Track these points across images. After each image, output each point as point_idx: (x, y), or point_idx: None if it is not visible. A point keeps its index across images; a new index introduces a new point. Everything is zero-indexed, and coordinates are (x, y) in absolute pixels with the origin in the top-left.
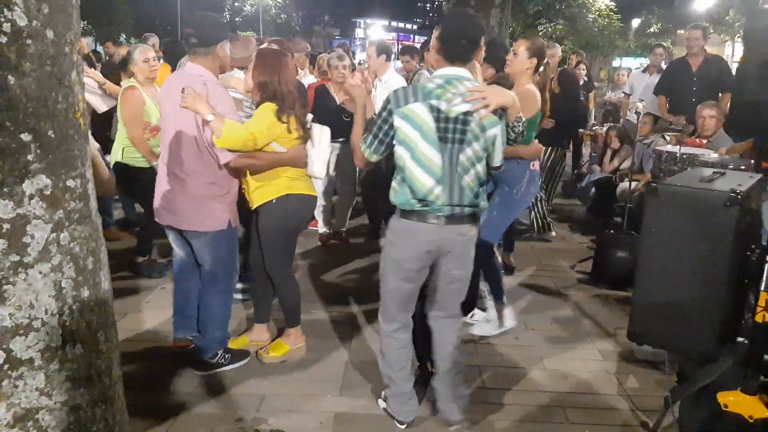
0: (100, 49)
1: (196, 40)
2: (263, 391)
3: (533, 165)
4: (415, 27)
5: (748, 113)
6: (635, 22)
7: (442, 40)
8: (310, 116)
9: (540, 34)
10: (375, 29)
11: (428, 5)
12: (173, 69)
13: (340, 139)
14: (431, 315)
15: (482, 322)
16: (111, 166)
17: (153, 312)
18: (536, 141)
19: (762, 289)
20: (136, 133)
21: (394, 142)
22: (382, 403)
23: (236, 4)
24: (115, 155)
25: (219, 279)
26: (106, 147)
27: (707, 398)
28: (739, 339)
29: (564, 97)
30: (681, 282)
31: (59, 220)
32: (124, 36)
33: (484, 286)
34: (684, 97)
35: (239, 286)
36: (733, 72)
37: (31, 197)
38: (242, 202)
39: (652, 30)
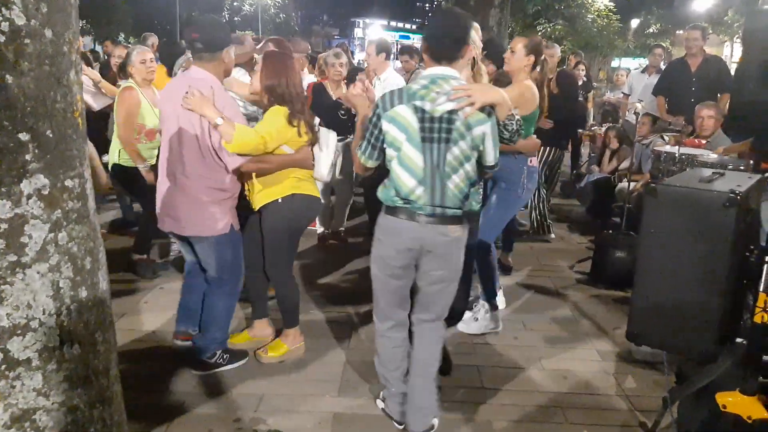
0: (98, 48)
1: (201, 45)
2: (262, 391)
3: (530, 161)
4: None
5: (747, 114)
6: (634, 23)
7: (427, 39)
8: (317, 120)
9: (539, 34)
10: (374, 29)
11: (427, 5)
12: (169, 70)
13: (338, 137)
14: (413, 317)
15: (470, 320)
16: (109, 167)
17: (151, 312)
18: (534, 136)
19: (761, 289)
20: (125, 133)
21: (385, 145)
22: (380, 404)
23: (235, 3)
24: (113, 156)
25: (225, 281)
26: (105, 147)
27: (706, 399)
28: (738, 340)
29: (562, 98)
30: (680, 282)
31: (57, 220)
32: (123, 35)
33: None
34: (683, 98)
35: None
36: (732, 72)
37: (29, 197)
38: (240, 202)
39: (651, 30)
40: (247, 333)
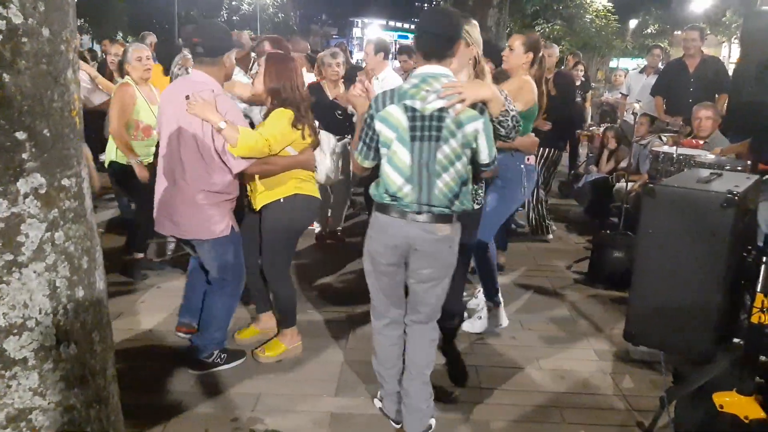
0: (97, 47)
1: (202, 50)
2: (259, 390)
3: (528, 159)
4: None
5: (745, 114)
6: (632, 23)
7: (416, 37)
8: (316, 123)
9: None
10: (372, 28)
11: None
12: (165, 68)
13: (336, 137)
14: (406, 319)
15: (474, 320)
16: (106, 165)
17: (148, 312)
18: (532, 134)
19: (758, 290)
20: (117, 127)
21: (380, 145)
22: (378, 403)
23: (233, 2)
24: (110, 154)
25: (227, 282)
26: (103, 147)
27: (703, 399)
28: (735, 340)
29: (560, 99)
30: (677, 283)
31: (54, 219)
32: (122, 34)
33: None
34: (681, 98)
35: None
36: (730, 73)
37: (25, 196)
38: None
39: (649, 31)
40: (254, 327)
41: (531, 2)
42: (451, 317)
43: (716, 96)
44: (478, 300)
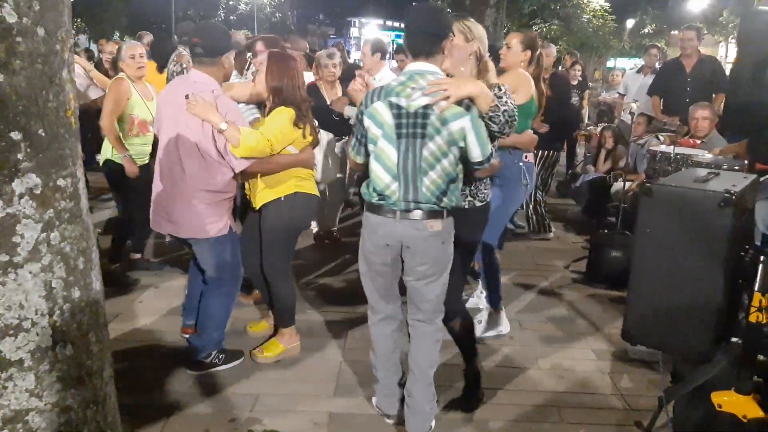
0: (93, 47)
1: (201, 50)
2: (257, 391)
3: (526, 157)
4: None
5: (742, 114)
6: (629, 23)
7: (404, 35)
8: (315, 122)
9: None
10: (370, 28)
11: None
12: (160, 66)
13: (336, 138)
14: (408, 317)
15: (473, 323)
16: (101, 164)
17: (146, 312)
18: (530, 131)
19: (756, 289)
20: (108, 119)
21: (368, 142)
22: (375, 400)
23: (231, 2)
24: (105, 153)
25: (224, 282)
26: (99, 146)
27: (701, 398)
28: (733, 339)
29: (556, 100)
30: (675, 282)
31: (49, 220)
32: (119, 34)
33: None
34: (678, 98)
35: None
36: (727, 73)
37: (20, 196)
38: (238, 202)
39: (646, 31)
40: (265, 322)
41: (528, 2)
42: (451, 317)
43: (713, 96)
44: (476, 300)
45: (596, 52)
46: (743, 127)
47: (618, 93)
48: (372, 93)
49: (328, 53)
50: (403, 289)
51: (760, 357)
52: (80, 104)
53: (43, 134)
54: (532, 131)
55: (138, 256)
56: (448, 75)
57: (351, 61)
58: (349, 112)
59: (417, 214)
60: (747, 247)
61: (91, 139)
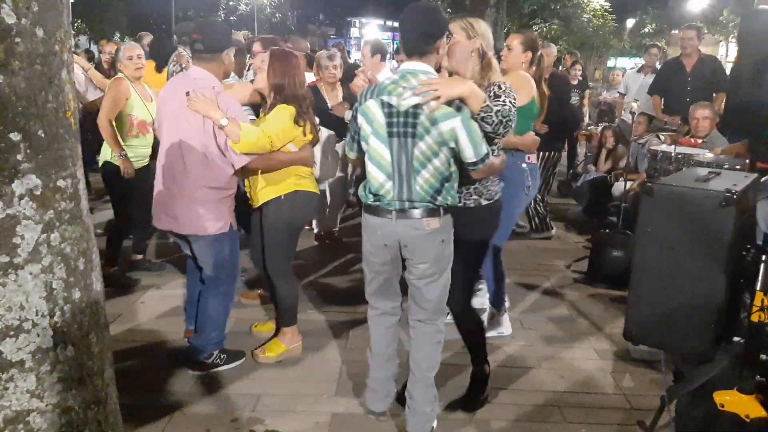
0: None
1: (201, 47)
2: (259, 391)
3: (529, 158)
4: None
5: (743, 113)
6: (630, 22)
7: (399, 34)
8: (316, 119)
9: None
10: (370, 28)
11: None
12: (158, 65)
13: (337, 139)
14: (409, 318)
15: None
16: (100, 165)
17: (147, 313)
18: (532, 133)
19: (758, 288)
20: (105, 119)
21: (360, 139)
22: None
23: (231, 3)
24: (105, 155)
25: (221, 281)
26: (99, 147)
27: (703, 397)
28: (735, 338)
29: (555, 100)
30: (677, 282)
31: (49, 221)
32: (119, 35)
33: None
34: (678, 97)
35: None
36: (727, 72)
37: (20, 197)
38: (239, 202)
39: (646, 30)
40: (272, 323)
41: (528, 2)
42: (462, 318)
43: (714, 95)
44: (480, 299)
45: (597, 52)
46: (744, 126)
47: (618, 92)
48: (366, 90)
49: (329, 54)
50: (405, 288)
51: (763, 356)
52: (80, 105)
53: (43, 135)
54: (534, 133)
55: (140, 257)
56: (450, 73)
57: (351, 61)
58: (350, 116)
59: (413, 212)
60: (748, 246)
61: (91, 141)
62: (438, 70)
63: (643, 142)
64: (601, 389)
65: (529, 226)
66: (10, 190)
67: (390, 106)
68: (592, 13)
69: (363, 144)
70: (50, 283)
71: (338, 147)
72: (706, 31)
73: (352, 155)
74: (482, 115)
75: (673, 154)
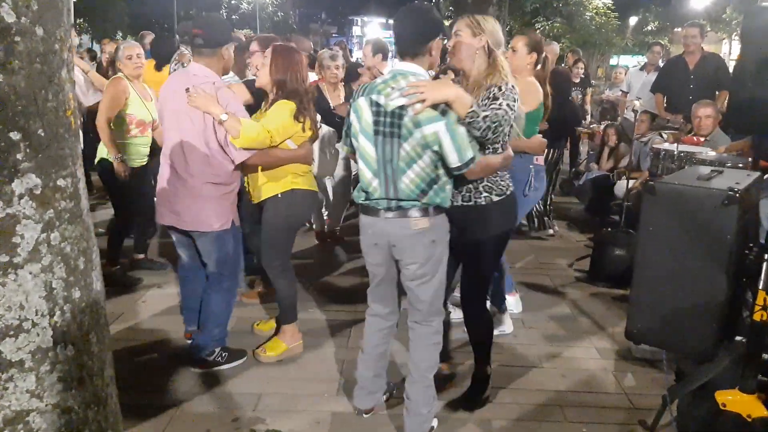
0: (96, 47)
1: (202, 41)
2: (260, 390)
3: (536, 159)
4: None
5: (746, 111)
6: (632, 20)
7: (393, 35)
8: (318, 117)
9: (537, 32)
10: (372, 27)
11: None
12: (158, 64)
13: (338, 140)
14: (408, 321)
15: None
16: (96, 162)
17: (149, 312)
18: (540, 135)
19: (760, 287)
20: (102, 119)
21: (351, 135)
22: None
23: (233, 1)
24: (100, 152)
25: (224, 277)
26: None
27: (705, 397)
28: (738, 338)
29: (556, 98)
30: (679, 280)
31: (49, 220)
32: (121, 34)
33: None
34: (681, 95)
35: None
36: (730, 70)
37: (20, 197)
38: (241, 198)
39: (649, 28)
40: (274, 322)
41: (530, 0)
42: (473, 318)
43: (716, 93)
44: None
45: (599, 50)
46: (746, 124)
47: (621, 90)
48: (360, 89)
49: (331, 54)
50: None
51: (765, 356)
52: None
53: (43, 134)
54: (540, 135)
55: (141, 256)
56: (456, 72)
57: (353, 59)
58: None
59: (400, 212)
60: (751, 245)
61: (95, 139)
62: (445, 70)
63: (646, 140)
64: (602, 388)
65: (529, 225)
66: (9, 189)
67: (378, 105)
68: (594, 11)
69: (353, 140)
70: (50, 282)
71: (339, 146)
72: (709, 28)
73: (346, 150)
74: (468, 120)
75: (675, 153)
